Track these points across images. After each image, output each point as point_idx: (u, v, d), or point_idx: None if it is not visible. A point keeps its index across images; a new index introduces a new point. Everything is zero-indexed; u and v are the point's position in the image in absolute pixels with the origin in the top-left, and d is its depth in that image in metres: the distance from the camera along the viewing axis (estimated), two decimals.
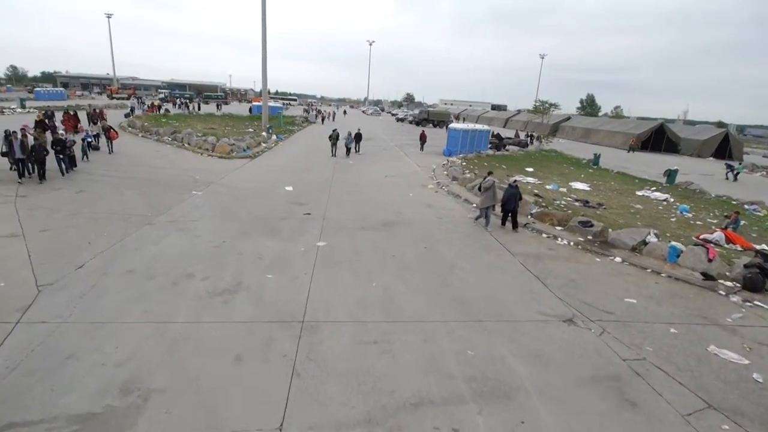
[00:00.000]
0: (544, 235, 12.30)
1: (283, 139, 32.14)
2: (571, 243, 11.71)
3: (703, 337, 7.26)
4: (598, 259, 10.78)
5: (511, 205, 12.33)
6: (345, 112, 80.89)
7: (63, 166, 15.27)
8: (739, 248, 11.70)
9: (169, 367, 5.58)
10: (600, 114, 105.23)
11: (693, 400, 5.62)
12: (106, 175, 16.27)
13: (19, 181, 13.95)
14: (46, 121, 21.65)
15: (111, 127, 21.02)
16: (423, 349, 6.31)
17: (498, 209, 12.88)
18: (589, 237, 11.97)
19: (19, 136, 13.89)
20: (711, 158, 45.46)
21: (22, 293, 7.31)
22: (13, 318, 6.56)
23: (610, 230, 12.06)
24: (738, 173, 30.56)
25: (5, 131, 13.87)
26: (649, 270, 10.18)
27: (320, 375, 5.63)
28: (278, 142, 30.23)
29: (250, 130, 33.30)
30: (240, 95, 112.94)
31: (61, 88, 73.71)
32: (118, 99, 67.65)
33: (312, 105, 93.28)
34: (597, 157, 31.07)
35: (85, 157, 18.33)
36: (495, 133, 36.54)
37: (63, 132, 16.83)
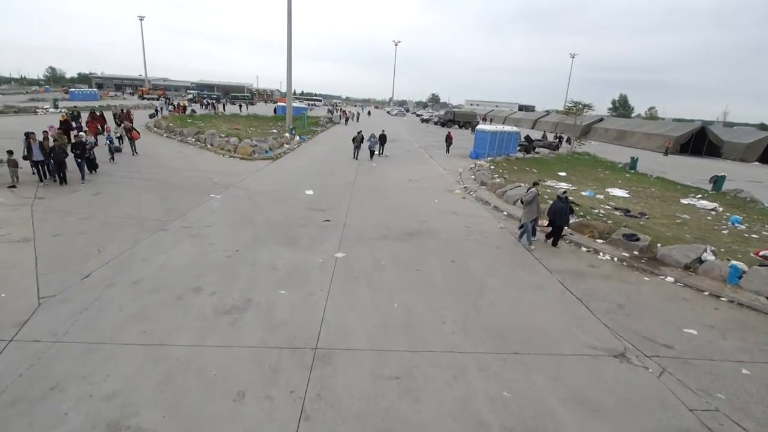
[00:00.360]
0: (584, 249, 11.21)
1: (306, 140, 31.72)
2: (615, 258, 10.59)
3: None
4: (646, 279, 9.64)
5: (560, 220, 10.88)
6: (369, 113, 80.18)
7: (82, 169, 14.92)
8: None
9: (162, 404, 4.92)
10: (633, 115, 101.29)
11: None
12: (127, 177, 16.05)
13: (41, 183, 13.73)
14: (72, 122, 21.78)
15: (133, 128, 20.90)
16: (452, 389, 5.46)
17: (540, 221, 11.69)
18: (635, 252, 10.81)
19: (39, 138, 13.69)
20: (756, 163, 42.62)
21: (22, 305, 6.87)
22: (8, 334, 6.08)
23: (658, 245, 10.87)
24: None
25: (25, 133, 13.74)
26: (706, 293, 8.99)
27: (333, 418, 4.87)
28: (301, 143, 29.81)
29: (274, 130, 33.04)
30: (266, 96, 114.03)
31: (95, 89, 76.02)
32: (148, 99, 69.20)
33: (336, 105, 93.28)
34: (634, 160, 29.31)
35: (111, 158, 18.22)
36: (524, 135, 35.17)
37: (84, 134, 16.60)
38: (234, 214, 12.44)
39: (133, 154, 20.02)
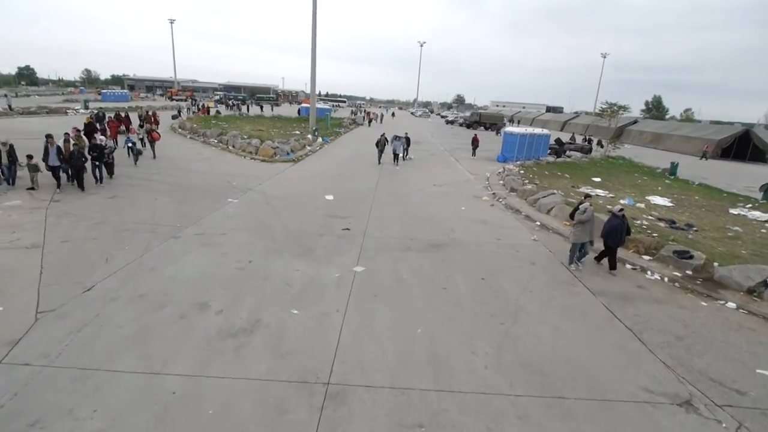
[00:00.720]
0: (628, 266, 10.12)
1: (329, 142, 31.23)
2: (666, 279, 9.47)
3: None
4: (704, 304, 8.51)
5: (615, 240, 9.48)
6: (393, 114, 79.35)
7: (98, 173, 14.44)
8: None
9: None
10: (666, 117, 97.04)
11: None
12: (145, 179, 15.79)
13: (57, 190, 13.22)
14: (97, 123, 21.82)
15: (153, 129, 20.73)
16: None
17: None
18: (688, 272, 9.66)
19: (57, 141, 13.36)
20: None
21: (19, 321, 6.41)
22: None
23: (715, 264, 9.68)
24: None
25: (45, 135, 13.54)
26: None
27: None
28: (323, 145, 29.32)
29: (297, 132, 32.71)
30: (291, 97, 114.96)
31: (126, 90, 77.96)
32: (177, 101, 70.49)
33: (361, 107, 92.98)
34: (674, 166, 27.54)
35: (135, 162, 17.90)
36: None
37: (104, 137, 16.36)
38: (250, 220, 11.89)
39: (154, 157, 19.69)
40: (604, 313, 7.71)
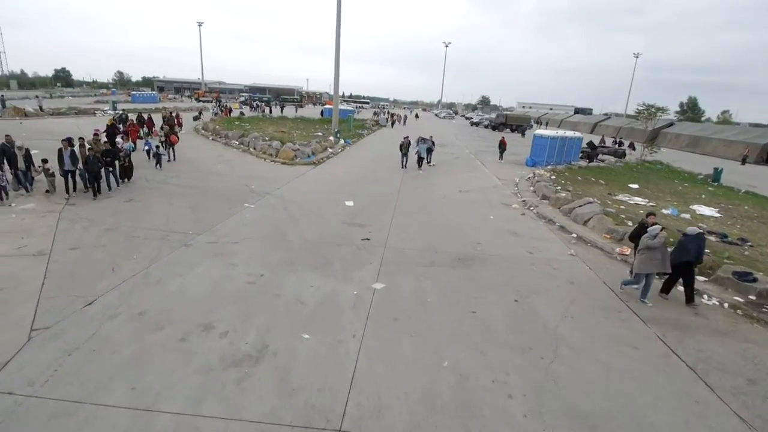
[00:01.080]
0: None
1: (351, 144, 30.65)
2: (725, 305, 8.34)
3: None
4: None
5: (689, 257, 7.99)
6: (417, 116, 78.03)
7: (111, 179, 13.92)
8: None
9: None
10: (702, 119, 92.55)
11: None
12: (163, 182, 15.48)
13: (66, 196, 12.65)
14: (121, 125, 21.81)
15: (172, 132, 20.48)
16: None
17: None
18: (752, 297, 8.49)
19: (71, 145, 13.01)
20: None
21: (11, 339, 5.94)
22: None
23: None
24: None
25: (66, 138, 13.28)
26: None
27: None
28: (345, 147, 28.74)
29: (319, 133, 32.27)
30: (315, 98, 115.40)
31: (154, 92, 79.62)
32: (203, 102, 71.56)
33: (384, 108, 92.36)
34: (718, 172, 25.72)
35: (158, 165, 17.57)
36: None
37: (121, 140, 16.06)
38: (265, 227, 11.30)
39: (170, 160, 19.27)
40: (660, 348, 6.69)
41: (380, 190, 16.59)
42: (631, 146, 39.86)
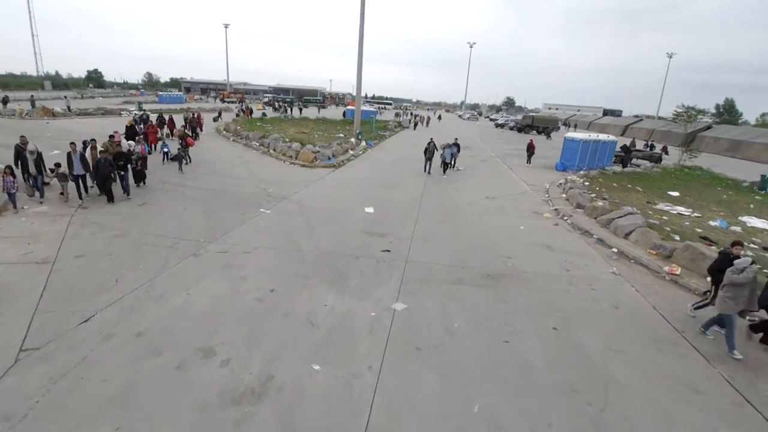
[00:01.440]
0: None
1: (372, 146, 29.95)
2: None
3: None
4: None
5: None
6: (440, 117, 76.32)
7: (123, 183, 13.19)
8: None
9: None
10: (739, 122, 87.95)
11: None
12: (179, 185, 15.10)
13: (80, 202, 12.20)
14: (142, 125, 21.68)
15: (187, 134, 20.16)
16: None
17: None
18: None
19: (79, 148, 12.62)
20: None
21: None
22: None
23: None
24: None
25: (83, 141, 12.98)
26: None
27: None
28: (367, 149, 28.06)
29: (341, 135, 31.73)
30: (338, 99, 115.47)
31: (181, 93, 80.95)
32: (227, 102, 72.36)
33: (406, 109, 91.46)
34: (766, 179, 23.81)
35: (180, 168, 17.28)
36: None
37: (131, 142, 15.66)
38: (280, 235, 10.67)
39: (186, 162, 18.83)
40: (729, 393, 5.67)
41: (402, 196, 15.79)
42: (664, 150, 37.80)
